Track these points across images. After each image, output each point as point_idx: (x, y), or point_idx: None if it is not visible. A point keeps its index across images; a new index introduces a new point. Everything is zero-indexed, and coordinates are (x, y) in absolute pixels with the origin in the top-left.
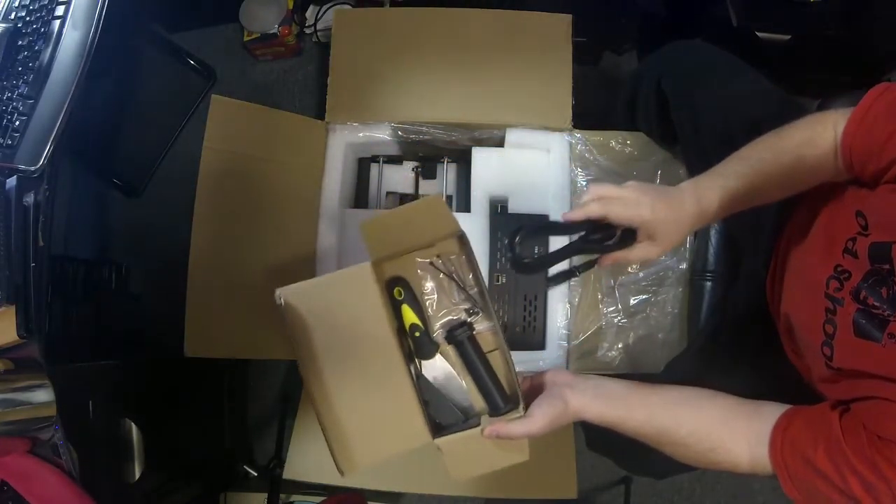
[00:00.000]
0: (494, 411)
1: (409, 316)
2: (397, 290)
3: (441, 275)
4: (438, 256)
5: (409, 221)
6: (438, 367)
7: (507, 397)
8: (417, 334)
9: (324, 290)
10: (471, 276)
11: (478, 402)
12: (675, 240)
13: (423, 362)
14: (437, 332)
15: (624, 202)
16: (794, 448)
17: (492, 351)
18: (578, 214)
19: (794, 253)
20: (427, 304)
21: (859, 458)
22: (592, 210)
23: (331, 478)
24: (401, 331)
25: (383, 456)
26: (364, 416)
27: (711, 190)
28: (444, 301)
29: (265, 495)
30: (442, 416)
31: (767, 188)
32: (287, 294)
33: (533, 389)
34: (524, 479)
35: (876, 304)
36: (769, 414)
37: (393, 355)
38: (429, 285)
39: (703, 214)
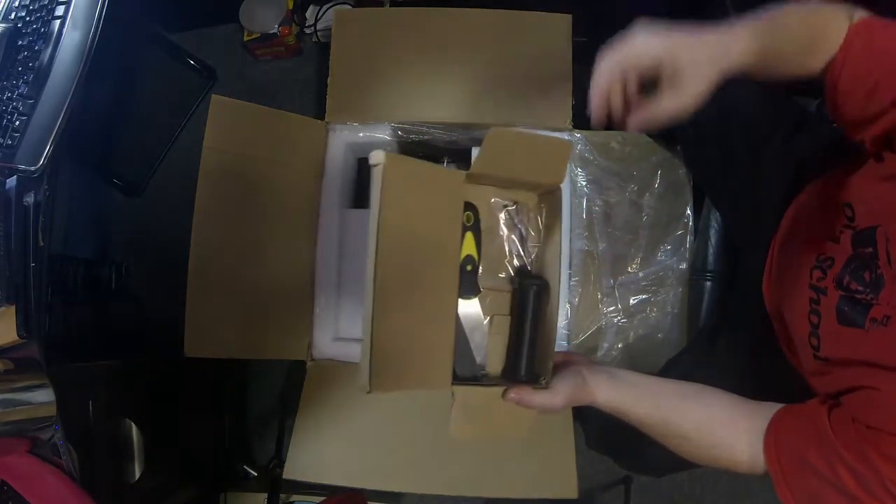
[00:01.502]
0: (509, 377)
1: (469, 246)
2: (467, 216)
3: (515, 221)
4: (515, 203)
5: (532, 150)
6: (471, 313)
7: (531, 370)
8: (469, 268)
9: (422, 173)
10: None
11: (492, 364)
12: (699, 82)
13: (460, 301)
14: (482, 276)
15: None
16: (786, 445)
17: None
18: (597, 101)
19: (785, 247)
20: (485, 244)
21: (849, 451)
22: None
23: (331, 478)
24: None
25: (408, 386)
26: (407, 337)
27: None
28: (502, 249)
29: (265, 495)
30: (460, 365)
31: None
32: (389, 160)
33: None
34: (524, 479)
35: (859, 288)
36: (768, 413)
37: (452, 277)
38: (500, 228)
39: (728, 50)
